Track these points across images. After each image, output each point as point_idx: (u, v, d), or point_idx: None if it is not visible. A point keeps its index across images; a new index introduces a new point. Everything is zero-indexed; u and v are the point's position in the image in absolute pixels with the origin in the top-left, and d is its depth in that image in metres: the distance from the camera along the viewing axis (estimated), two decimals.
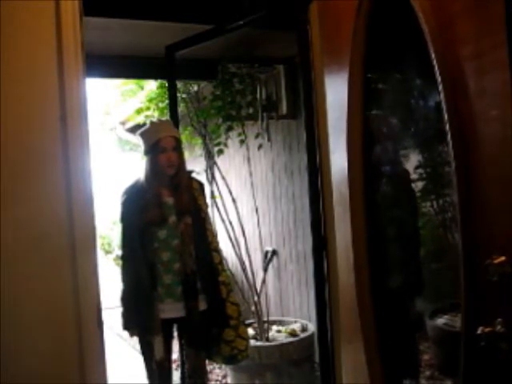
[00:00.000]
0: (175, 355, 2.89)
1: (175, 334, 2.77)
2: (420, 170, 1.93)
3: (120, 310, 2.62)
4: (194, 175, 2.82)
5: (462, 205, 1.44)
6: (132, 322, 2.60)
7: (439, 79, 1.46)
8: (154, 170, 2.62)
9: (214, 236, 2.74)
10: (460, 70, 1.40)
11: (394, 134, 2.33)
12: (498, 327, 1.22)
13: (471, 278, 1.40)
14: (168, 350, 2.66)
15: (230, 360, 2.81)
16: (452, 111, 1.43)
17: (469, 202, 1.36)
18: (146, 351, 2.61)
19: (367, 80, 2.01)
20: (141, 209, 2.59)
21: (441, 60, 1.46)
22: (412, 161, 2.04)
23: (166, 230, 2.59)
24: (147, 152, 2.66)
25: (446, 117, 1.44)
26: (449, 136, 1.44)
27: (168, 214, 2.61)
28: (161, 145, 2.61)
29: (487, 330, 1.23)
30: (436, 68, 1.47)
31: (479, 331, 1.24)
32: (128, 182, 2.73)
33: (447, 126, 1.44)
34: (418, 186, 1.96)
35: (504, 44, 1.25)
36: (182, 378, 2.76)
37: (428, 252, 2.16)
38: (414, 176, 1.97)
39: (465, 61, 1.39)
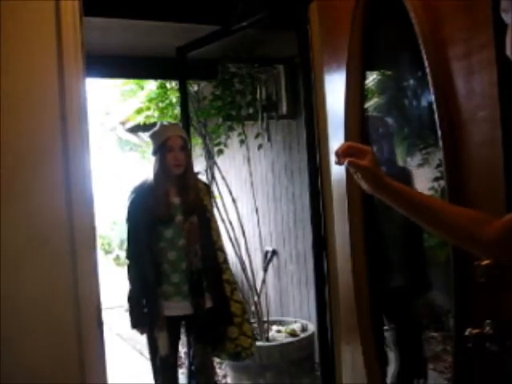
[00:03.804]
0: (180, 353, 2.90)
1: (182, 332, 2.80)
2: (441, 169, 1.91)
3: (123, 309, 2.66)
4: (199, 177, 2.89)
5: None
6: (139, 321, 2.65)
7: (430, 79, 1.46)
8: (161, 168, 2.67)
9: (219, 236, 2.79)
10: (450, 69, 1.41)
11: (392, 133, 2.33)
12: (487, 329, 1.22)
13: (461, 279, 1.41)
14: (174, 348, 2.69)
15: (234, 357, 2.84)
16: (443, 111, 1.43)
17: (458, 202, 1.36)
18: (152, 348, 2.65)
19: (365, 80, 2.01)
20: (148, 208, 2.63)
21: (432, 60, 1.46)
22: (434, 160, 2.03)
23: (172, 230, 2.63)
24: (155, 152, 2.71)
25: (436, 117, 1.45)
26: (439, 136, 1.44)
27: (174, 213, 2.65)
28: (168, 144, 2.66)
29: (475, 331, 1.23)
30: (427, 68, 1.47)
31: (467, 333, 1.24)
32: (136, 181, 2.77)
33: (438, 126, 1.45)
34: (441, 184, 1.95)
35: (491, 44, 1.25)
36: (189, 375, 2.79)
37: (436, 252, 2.16)
38: (437, 174, 1.96)
39: (454, 61, 1.40)
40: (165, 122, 2.93)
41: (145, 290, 2.60)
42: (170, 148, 2.65)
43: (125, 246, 2.81)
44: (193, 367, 2.76)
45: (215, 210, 3.98)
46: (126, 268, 2.71)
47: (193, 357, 2.77)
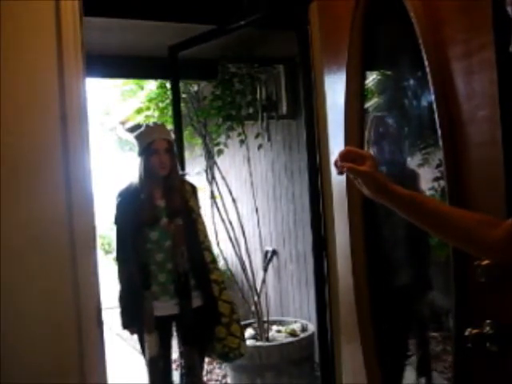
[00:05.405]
0: (175, 354, 2.90)
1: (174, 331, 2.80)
2: (441, 169, 1.91)
3: (118, 309, 2.67)
4: (187, 177, 2.89)
5: (452, 205, 1.43)
6: (129, 321, 2.67)
7: (430, 79, 1.46)
8: (146, 170, 2.70)
9: (206, 236, 2.80)
10: (450, 69, 1.41)
11: (396, 134, 2.33)
12: (487, 329, 1.22)
13: (461, 279, 1.40)
14: (166, 347, 2.70)
15: (222, 357, 2.84)
16: (443, 111, 1.43)
17: (458, 202, 1.36)
18: (144, 348, 2.66)
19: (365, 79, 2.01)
20: (134, 211, 2.66)
21: (432, 60, 1.46)
22: (434, 159, 2.03)
23: (157, 232, 2.66)
24: (141, 153, 2.73)
25: (436, 117, 1.45)
26: (439, 136, 1.44)
27: (160, 215, 2.68)
28: (153, 147, 2.68)
29: (475, 331, 1.23)
30: (427, 68, 1.47)
31: (467, 333, 1.24)
32: (122, 184, 2.79)
33: (438, 126, 1.45)
34: (441, 184, 1.95)
35: (491, 44, 1.25)
36: (181, 376, 2.80)
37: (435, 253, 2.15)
38: (437, 174, 1.96)
39: (454, 61, 1.39)
40: (151, 123, 2.95)
41: (131, 292, 2.63)
42: (155, 151, 2.67)
43: None
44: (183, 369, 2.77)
45: (215, 210, 4.00)
46: (116, 269, 2.73)
47: (180, 358, 2.78)
